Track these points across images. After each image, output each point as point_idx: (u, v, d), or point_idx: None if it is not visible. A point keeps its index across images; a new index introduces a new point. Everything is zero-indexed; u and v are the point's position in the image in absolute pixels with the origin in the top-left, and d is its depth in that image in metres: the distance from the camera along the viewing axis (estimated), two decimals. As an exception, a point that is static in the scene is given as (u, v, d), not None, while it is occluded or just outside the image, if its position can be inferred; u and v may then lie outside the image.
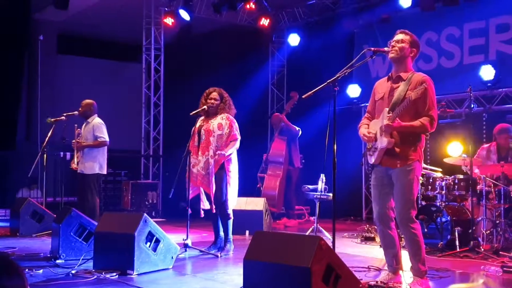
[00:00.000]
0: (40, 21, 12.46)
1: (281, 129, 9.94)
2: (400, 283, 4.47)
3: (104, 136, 7.38)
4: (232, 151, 6.17)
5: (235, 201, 6.31)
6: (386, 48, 4.55)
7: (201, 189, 6.21)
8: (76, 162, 7.37)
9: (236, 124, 6.23)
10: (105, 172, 7.50)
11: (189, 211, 6.20)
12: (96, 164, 7.35)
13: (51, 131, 7.92)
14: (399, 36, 4.52)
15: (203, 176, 6.10)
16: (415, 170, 4.40)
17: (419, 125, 4.36)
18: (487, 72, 8.61)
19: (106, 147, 7.49)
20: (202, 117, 6.34)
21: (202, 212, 6.24)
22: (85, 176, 7.34)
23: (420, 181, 6.74)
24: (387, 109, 4.41)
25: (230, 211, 6.19)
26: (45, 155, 8.00)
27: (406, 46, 4.48)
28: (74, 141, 7.41)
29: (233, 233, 6.31)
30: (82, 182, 7.36)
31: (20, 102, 12.74)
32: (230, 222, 6.20)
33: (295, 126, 9.77)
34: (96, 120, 7.49)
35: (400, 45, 4.48)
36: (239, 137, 6.18)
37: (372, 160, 4.55)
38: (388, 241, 4.54)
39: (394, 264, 4.55)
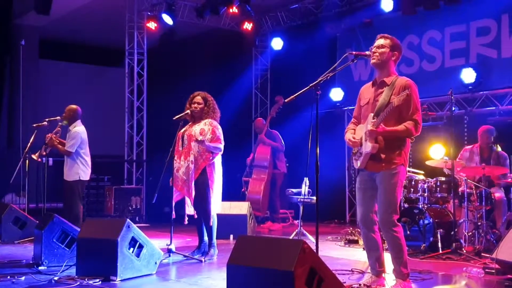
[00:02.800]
0: (21, 26, 12.34)
1: (266, 132, 9.92)
2: (383, 285, 4.50)
3: (71, 148, 7.29)
4: (215, 147, 6.07)
5: (218, 206, 6.29)
6: (367, 52, 4.57)
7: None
8: (38, 154, 7.43)
9: (220, 129, 6.18)
10: (85, 178, 7.44)
11: (173, 215, 6.18)
12: (77, 171, 7.32)
13: (33, 136, 7.85)
14: (379, 41, 4.55)
15: (184, 181, 6.09)
16: (399, 174, 4.43)
17: (404, 130, 4.38)
18: (468, 75, 8.69)
19: (88, 154, 7.44)
20: (190, 122, 6.33)
21: (186, 218, 6.23)
22: (67, 183, 7.33)
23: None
24: (372, 114, 4.44)
25: (213, 216, 6.17)
26: (27, 161, 7.93)
27: (387, 50, 4.51)
28: (49, 134, 7.39)
29: (217, 238, 6.31)
30: (65, 189, 7.36)
31: (1, 107, 12.61)
32: (214, 227, 6.19)
33: (281, 142, 9.76)
34: (76, 128, 7.39)
35: (381, 50, 4.50)
36: (223, 142, 6.17)
37: (357, 164, 4.58)
38: (371, 244, 4.57)
39: (377, 267, 4.57)
